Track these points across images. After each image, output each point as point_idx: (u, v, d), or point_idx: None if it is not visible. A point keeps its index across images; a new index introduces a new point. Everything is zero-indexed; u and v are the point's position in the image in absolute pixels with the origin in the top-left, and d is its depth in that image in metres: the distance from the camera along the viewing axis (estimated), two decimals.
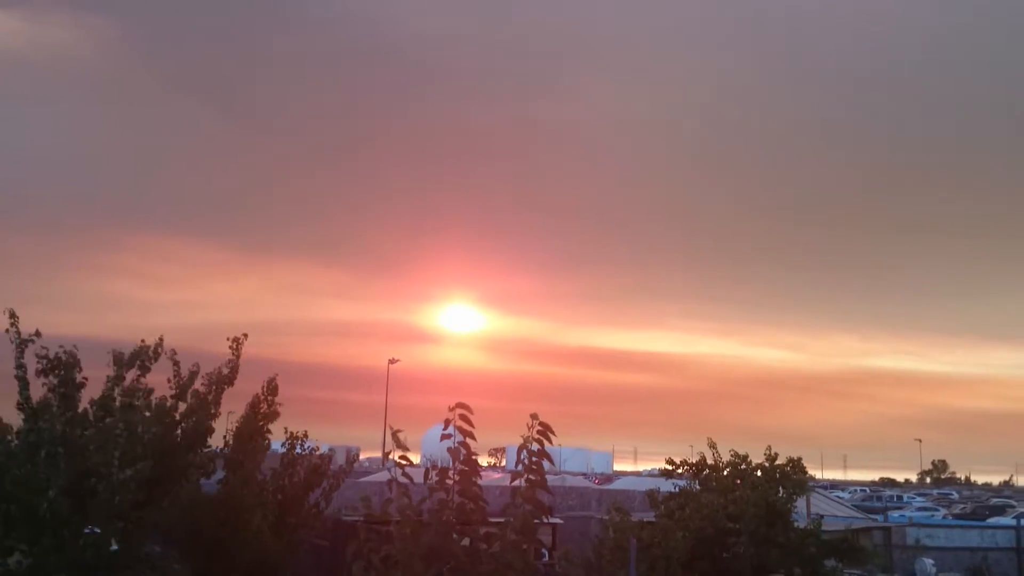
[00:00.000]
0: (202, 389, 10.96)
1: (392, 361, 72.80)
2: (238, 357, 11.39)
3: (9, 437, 10.08)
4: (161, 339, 10.85)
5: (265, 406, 11.58)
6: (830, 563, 14.56)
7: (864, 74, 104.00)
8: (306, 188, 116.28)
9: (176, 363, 10.94)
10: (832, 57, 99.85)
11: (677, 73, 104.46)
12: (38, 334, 10.31)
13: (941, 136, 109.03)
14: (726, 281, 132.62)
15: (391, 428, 5.21)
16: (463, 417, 4.77)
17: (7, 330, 10.23)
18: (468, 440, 4.76)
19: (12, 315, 10.26)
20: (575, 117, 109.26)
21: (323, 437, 12.24)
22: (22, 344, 10.24)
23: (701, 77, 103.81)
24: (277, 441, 12.34)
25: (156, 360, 10.73)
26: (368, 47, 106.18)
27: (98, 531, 9.54)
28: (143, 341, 10.75)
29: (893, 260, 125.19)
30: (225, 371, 11.18)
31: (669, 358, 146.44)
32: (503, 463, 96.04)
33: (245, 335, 11.50)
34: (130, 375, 10.52)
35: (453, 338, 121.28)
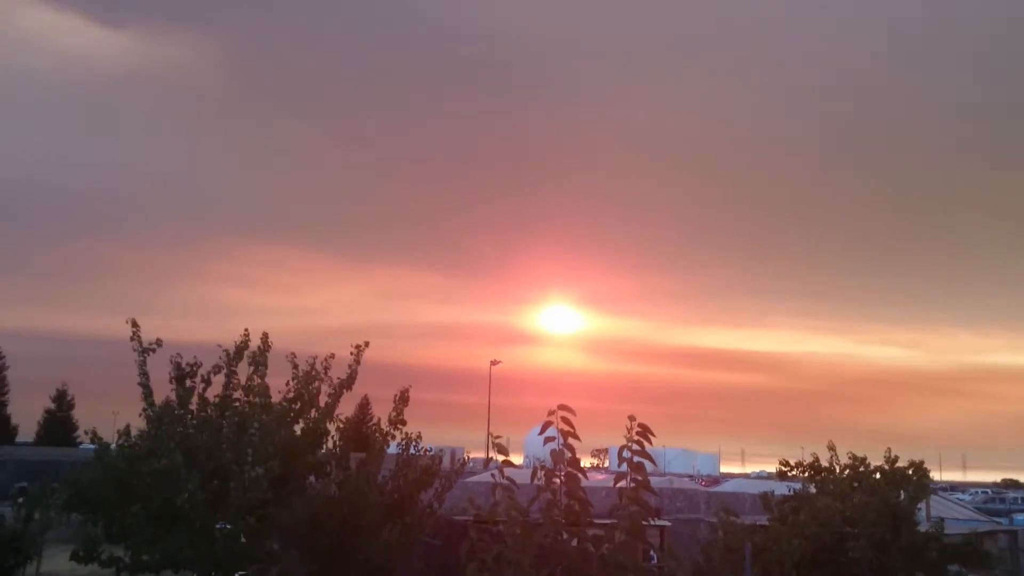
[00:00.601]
0: (325, 395, 11.39)
1: (494, 363, 73.22)
2: (358, 363, 11.67)
3: (134, 440, 10.66)
4: (266, 335, 11.23)
5: (395, 413, 11.83)
6: (954, 568, 14.01)
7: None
8: (405, 197, 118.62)
9: (295, 366, 11.36)
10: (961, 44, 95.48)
11: (772, 69, 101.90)
12: (159, 343, 10.85)
13: None
14: (835, 277, 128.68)
15: (492, 435, 5.31)
16: (565, 419, 4.79)
17: (131, 339, 10.83)
18: (571, 442, 4.80)
19: (134, 324, 10.83)
20: (673, 119, 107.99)
21: (428, 438, 12.41)
22: (144, 352, 10.81)
23: (800, 73, 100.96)
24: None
25: (267, 351, 11.15)
26: (464, 56, 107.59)
27: (228, 527, 9.96)
28: (245, 331, 11.14)
29: (1008, 253, 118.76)
30: (344, 376, 11.57)
31: (777, 357, 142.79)
32: (606, 464, 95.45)
33: (367, 343, 11.72)
34: (242, 371, 11.00)
35: (553, 339, 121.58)
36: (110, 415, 11.11)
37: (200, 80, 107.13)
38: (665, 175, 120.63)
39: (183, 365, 10.79)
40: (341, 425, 11.57)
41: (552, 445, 4.80)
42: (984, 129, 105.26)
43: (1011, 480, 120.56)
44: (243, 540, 9.99)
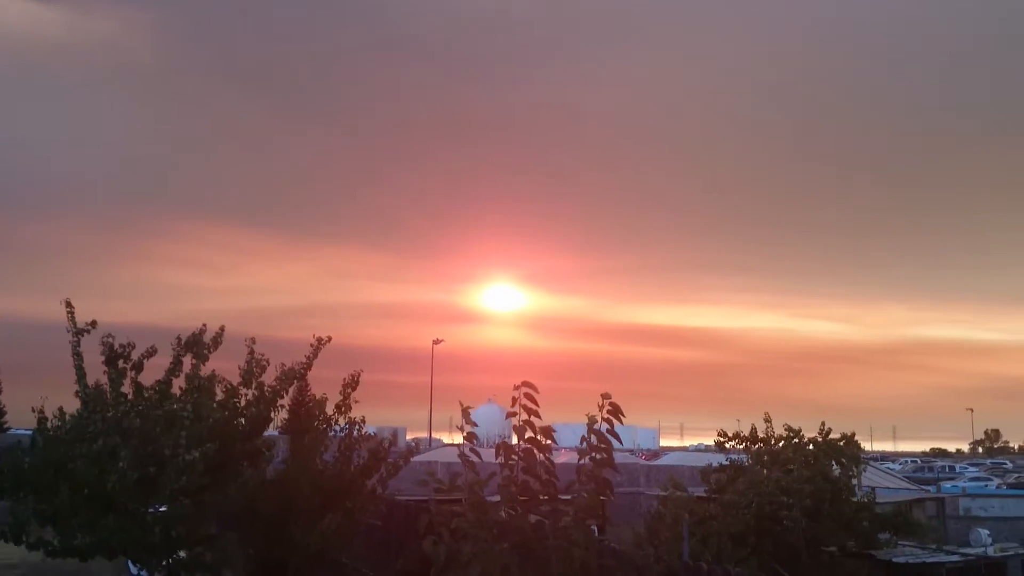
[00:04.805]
0: (273, 382, 11.09)
1: (436, 342, 73.16)
2: (314, 357, 11.38)
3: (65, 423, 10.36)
4: (223, 328, 10.97)
5: (343, 399, 11.63)
6: (884, 536, 14.46)
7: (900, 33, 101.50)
8: (347, 174, 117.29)
9: (251, 351, 11.09)
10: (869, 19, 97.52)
11: (714, 46, 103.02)
12: (94, 324, 10.54)
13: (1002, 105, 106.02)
14: (772, 253, 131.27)
15: (460, 404, 5.20)
16: (528, 396, 4.78)
17: (67, 318, 10.50)
18: (533, 418, 4.79)
19: (69, 305, 10.50)
20: (615, 97, 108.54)
21: (369, 419, 12.22)
22: (78, 334, 10.48)
23: (744, 49, 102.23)
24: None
25: (215, 349, 10.86)
26: (411, 31, 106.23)
27: (163, 511, 9.74)
28: (204, 326, 10.89)
29: (942, 229, 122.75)
30: (298, 369, 11.25)
31: (716, 332, 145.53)
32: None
33: (329, 338, 11.40)
34: (187, 361, 10.70)
35: (496, 318, 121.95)
36: (39, 400, 10.65)
37: (133, 52, 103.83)
38: (605, 155, 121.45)
39: (115, 347, 10.51)
40: (284, 412, 11.37)
41: (512, 420, 4.79)
42: (912, 99, 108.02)
43: (939, 449, 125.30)
44: (178, 525, 9.79)
